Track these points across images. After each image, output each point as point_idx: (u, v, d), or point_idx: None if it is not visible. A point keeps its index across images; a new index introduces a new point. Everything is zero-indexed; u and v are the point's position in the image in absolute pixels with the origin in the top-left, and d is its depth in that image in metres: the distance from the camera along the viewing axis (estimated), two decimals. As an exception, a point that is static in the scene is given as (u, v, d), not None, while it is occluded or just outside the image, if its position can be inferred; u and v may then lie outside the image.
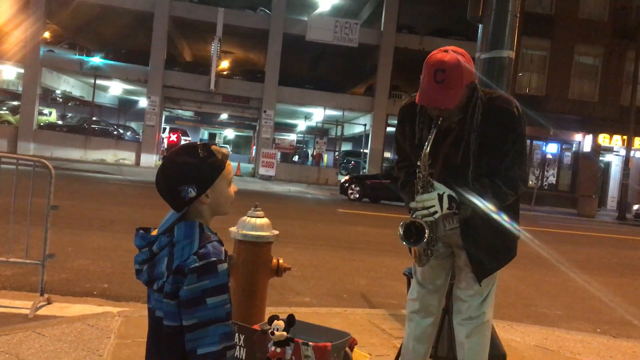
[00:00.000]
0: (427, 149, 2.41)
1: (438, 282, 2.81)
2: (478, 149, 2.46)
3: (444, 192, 2.40)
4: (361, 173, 27.79)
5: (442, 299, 2.89)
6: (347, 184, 19.48)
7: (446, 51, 2.36)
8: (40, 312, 4.20)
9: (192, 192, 1.56)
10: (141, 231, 1.64)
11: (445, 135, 2.51)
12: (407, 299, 2.95)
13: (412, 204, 2.46)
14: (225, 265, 1.54)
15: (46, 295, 4.40)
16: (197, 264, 1.50)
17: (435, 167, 2.50)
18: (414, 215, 2.44)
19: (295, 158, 33.92)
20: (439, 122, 2.43)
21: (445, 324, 3.24)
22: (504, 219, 2.56)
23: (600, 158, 28.95)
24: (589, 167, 28.05)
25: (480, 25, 3.83)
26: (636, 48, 24.94)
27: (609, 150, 28.64)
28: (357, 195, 19.07)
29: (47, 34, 27.40)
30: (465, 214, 2.48)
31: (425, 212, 2.40)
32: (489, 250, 2.59)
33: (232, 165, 1.68)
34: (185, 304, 1.50)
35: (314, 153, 31.70)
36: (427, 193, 2.41)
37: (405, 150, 2.73)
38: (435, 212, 2.39)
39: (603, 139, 27.56)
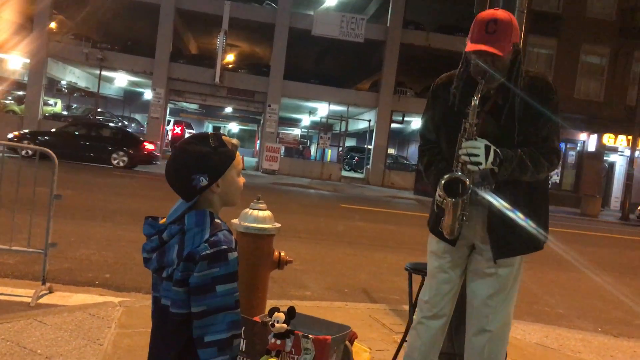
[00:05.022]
0: (476, 100, 2.37)
1: (450, 286, 2.63)
2: (519, 115, 2.43)
3: (490, 146, 2.35)
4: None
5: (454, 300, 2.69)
6: (16, 140, 16.68)
7: (496, 10, 2.44)
8: (41, 300, 4.21)
9: (204, 181, 1.57)
10: (150, 219, 1.65)
11: (483, 103, 2.46)
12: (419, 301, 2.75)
13: (460, 152, 2.38)
14: (235, 254, 1.56)
15: (48, 284, 4.40)
16: (208, 252, 1.51)
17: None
18: (454, 170, 2.41)
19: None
20: (484, 80, 2.38)
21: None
22: (533, 214, 2.50)
23: (605, 158, 28.88)
24: (593, 167, 27.98)
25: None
26: (643, 48, 24.89)
27: (614, 150, 28.56)
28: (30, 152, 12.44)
29: (53, 25, 27.38)
30: (503, 174, 2.38)
31: (468, 159, 2.34)
32: (513, 229, 2.47)
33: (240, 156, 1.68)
34: (195, 291, 1.51)
35: (303, 149, 32.64)
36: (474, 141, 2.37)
37: (432, 131, 2.67)
38: (479, 163, 2.33)
39: (608, 139, 27.51)
